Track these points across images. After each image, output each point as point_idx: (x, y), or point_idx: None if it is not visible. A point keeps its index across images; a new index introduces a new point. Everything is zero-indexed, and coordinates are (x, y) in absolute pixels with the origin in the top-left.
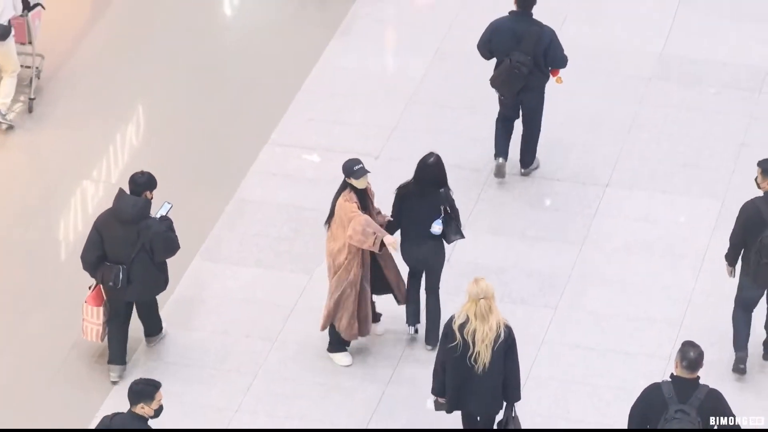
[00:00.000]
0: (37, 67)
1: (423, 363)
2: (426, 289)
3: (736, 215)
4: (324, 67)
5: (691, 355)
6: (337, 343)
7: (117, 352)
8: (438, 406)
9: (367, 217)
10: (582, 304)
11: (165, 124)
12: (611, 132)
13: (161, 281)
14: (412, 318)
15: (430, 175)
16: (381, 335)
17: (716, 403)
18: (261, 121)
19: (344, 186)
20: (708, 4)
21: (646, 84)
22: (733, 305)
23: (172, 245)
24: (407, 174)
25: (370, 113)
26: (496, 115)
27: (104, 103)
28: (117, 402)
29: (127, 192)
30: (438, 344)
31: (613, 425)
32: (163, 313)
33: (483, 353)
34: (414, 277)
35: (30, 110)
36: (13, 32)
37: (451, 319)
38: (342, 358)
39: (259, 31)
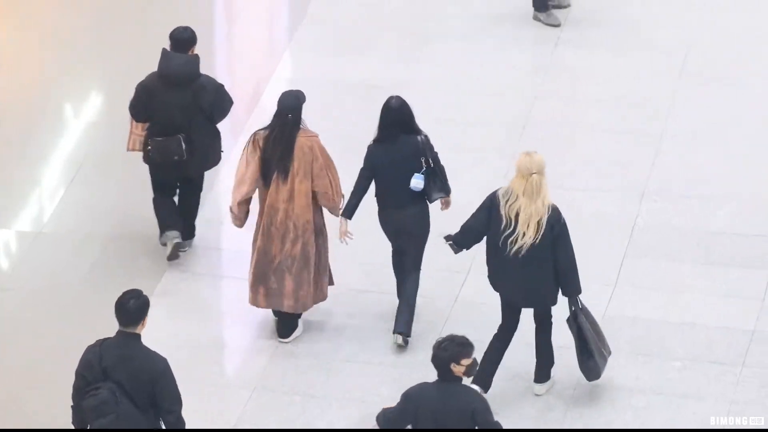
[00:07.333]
0: None
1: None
2: (406, 266)
3: None
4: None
5: None
6: None
7: (169, 219)
8: (451, 246)
9: None
10: None
11: None
12: None
13: (218, 153)
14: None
15: (394, 118)
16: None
17: None
18: None
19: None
20: (655, 255)
21: None
22: None
23: (228, 101)
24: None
25: None
26: None
27: None
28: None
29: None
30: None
31: None
32: None
33: (525, 235)
34: (397, 255)
35: None
36: None
37: (495, 194)
38: None
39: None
